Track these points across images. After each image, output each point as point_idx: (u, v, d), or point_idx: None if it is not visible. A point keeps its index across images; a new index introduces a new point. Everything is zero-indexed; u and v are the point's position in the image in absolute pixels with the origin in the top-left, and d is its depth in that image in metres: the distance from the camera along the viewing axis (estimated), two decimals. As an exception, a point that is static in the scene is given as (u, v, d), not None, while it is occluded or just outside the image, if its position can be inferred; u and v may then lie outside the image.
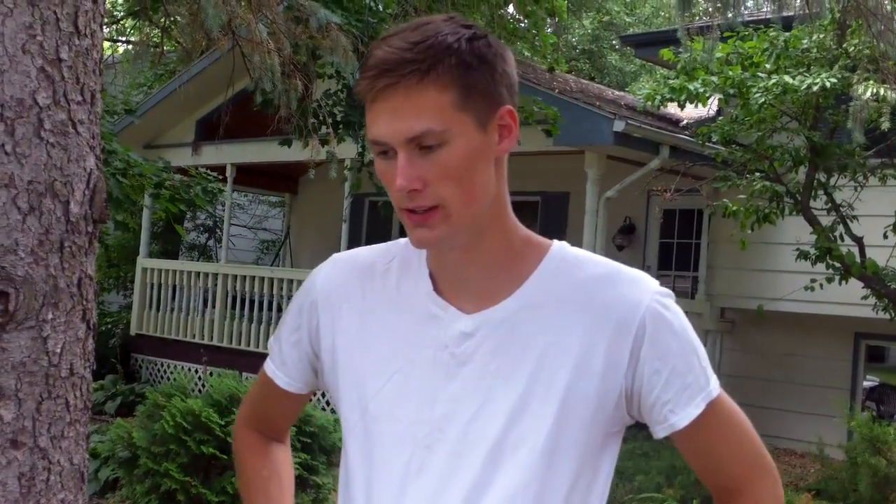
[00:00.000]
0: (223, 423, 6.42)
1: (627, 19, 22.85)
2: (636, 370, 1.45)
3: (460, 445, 1.45)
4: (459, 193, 1.40)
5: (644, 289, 1.48)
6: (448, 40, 1.38)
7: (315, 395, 11.01)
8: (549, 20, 12.85)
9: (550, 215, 12.73)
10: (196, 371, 11.80)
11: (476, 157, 1.41)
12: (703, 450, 1.52)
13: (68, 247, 1.88)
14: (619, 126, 9.72)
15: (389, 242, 1.63)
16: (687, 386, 1.46)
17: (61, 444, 1.89)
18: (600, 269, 1.50)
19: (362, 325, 1.55)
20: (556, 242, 1.54)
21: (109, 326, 13.63)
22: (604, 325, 1.45)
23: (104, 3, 2.06)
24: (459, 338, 1.48)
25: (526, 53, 14.33)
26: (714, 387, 1.49)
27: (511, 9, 12.54)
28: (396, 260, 1.58)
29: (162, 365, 12.88)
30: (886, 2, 6.31)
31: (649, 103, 9.03)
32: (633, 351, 1.45)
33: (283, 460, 1.76)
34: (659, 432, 1.49)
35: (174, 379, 8.34)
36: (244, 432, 1.76)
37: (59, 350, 1.87)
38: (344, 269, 1.61)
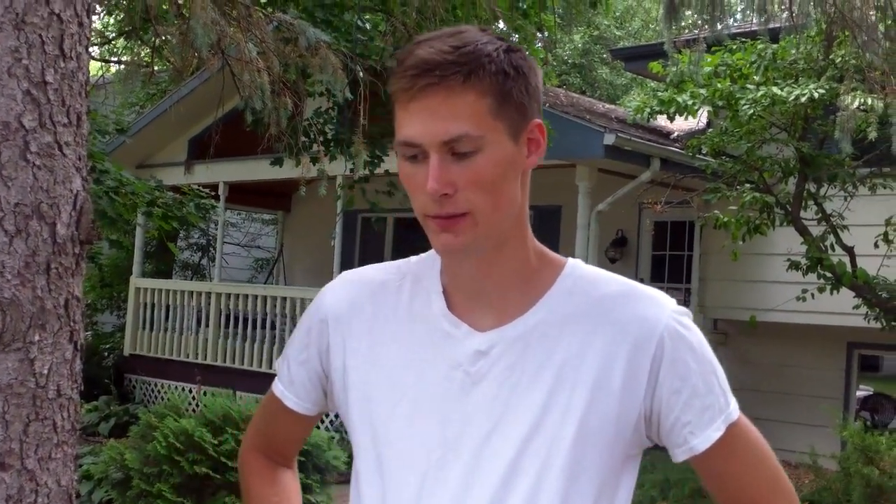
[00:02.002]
0: (216, 442, 6.41)
1: (617, 33, 22.93)
2: (655, 390, 1.42)
3: (474, 466, 1.41)
4: (489, 202, 1.38)
5: (662, 307, 1.46)
6: (488, 48, 1.38)
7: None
8: (538, 35, 12.89)
9: (543, 229, 12.75)
10: (190, 391, 11.78)
11: (507, 167, 1.40)
12: (722, 473, 1.48)
13: (55, 268, 1.89)
14: (609, 139, 9.76)
15: (400, 260, 1.59)
16: (707, 407, 1.43)
17: (49, 465, 1.89)
18: (617, 287, 1.48)
19: (373, 344, 1.52)
20: (570, 260, 1.52)
21: (103, 347, 13.61)
22: (621, 343, 1.42)
23: (90, 26, 2.08)
24: (473, 356, 1.45)
25: (516, 68, 14.36)
26: (734, 409, 1.46)
27: (501, 24, 12.58)
28: (408, 277, 1.54)
29: (156, 385, 12.85)
30: (871, 13, 6.35)
31: (639, 116, 9.06)
32: (652, 370, 1.42)
33: (292, 487, 1.71)
34: (678, 455, 1.45)
35: (168, 399, 8.36)
36: (251, 456, 1.71)
37: (46, 371, 1.88)
38: (355, 286, 1.57)
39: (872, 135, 7.32)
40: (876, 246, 8.54)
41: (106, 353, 13.51)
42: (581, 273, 1.50)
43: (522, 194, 1.45)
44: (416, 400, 1.46)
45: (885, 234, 8.41)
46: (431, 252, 1.53)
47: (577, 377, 1.42)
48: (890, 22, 6.35)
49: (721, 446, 1.43)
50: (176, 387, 12.27)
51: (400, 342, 1.50)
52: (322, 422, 9.91)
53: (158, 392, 12.71)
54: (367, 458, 1.49)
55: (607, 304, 1.45)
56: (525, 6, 8.71)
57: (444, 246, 1.40)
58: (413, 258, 1.57)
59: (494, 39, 1.39)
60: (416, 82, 1.35)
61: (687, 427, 1.43)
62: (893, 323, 8.59)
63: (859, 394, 11.13)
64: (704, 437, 1.43)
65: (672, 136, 11.77)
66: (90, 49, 2.12)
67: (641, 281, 12.95)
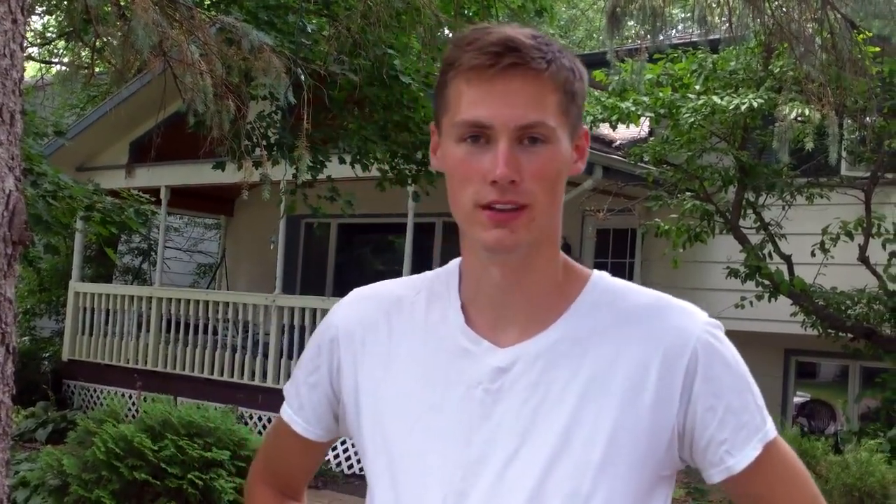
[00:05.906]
0: (156, 448, 6.34)
1: (562, 42, 23.06)
2: (689, 406, 1.35)
3: (496, 490, 1.33)
4: (547, 197, 1.31)
5: (694, 319, 1.39)
6: (558, 45, 1.34)
7: (252, 418, 10.90)
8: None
9: (487, 236, 12.76)
10: (130, 397, 11.64)
11: (564, 166, 1.35)
12: (760, 495, 1.40)
13: (-13, 269, 1.87)
14: (552, 146, 9.80)
15: (416, 275, 1.52)
16: (743, 425, 1.36)
17: (-21, 468, 1.86)
18: (645, 299, 1.41)
19: (388, 363, 1.44)
20: (596, 271, 1.45)
21: (41, 352, 13.41)
22: (652, 357, 1.34)
23: (26, 24, 2.05)
24: (494, 373, 1.36)
25: (461, 75, 14.41)
26: (771, 427, 1.40)
27: (446, 30, 12.60)
28: (424, 292, 1.47)
29: (95, 391, 12.69)
30: (808, 25, 6.47)
31: (582, 124, 9.11)
32: (686, 385, 1.34)
33: None
34: (714, 476, 1.38)
35: (107, 405, 8.27)
36: (258, 488, 1.64)
37: (-23, 373, 1.85)
38: (367, 303, 1.50)
39: (809, 145, 7.45)
40: (813, 255, 8.68)
41: (44, 359, 13.31)
42: (607, 285, 1.43)
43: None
44: (434, 420, 1.38)
45: (822, 242, 8.54)
46: (447, 266, 1.48)
47: (604, 393, 1.34)
48: (826, 34, 6.47)
49: (758, 467, 1.36)
50: (116, 392, 12.11)
51: (416, 360, 1.42)
52: (266, 427, 9.81)
53: (98, 398, 12.54)
54: (382, 482, 1.42)
55: (636, 315, 1.38)
56: (470, 13, 8.74)
57: (497, 241, 1.31)
58: (429, 273, 1.50)
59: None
60: (500, 60, 1.28)
61: (723, 446, 1.35)
62: (830, 330, 8.74)
63: (796, 400, 11.30)
64: (742, 457, 1.36)
65: (615, 145, 11.87)
66: (26, 48, 2.09)
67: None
